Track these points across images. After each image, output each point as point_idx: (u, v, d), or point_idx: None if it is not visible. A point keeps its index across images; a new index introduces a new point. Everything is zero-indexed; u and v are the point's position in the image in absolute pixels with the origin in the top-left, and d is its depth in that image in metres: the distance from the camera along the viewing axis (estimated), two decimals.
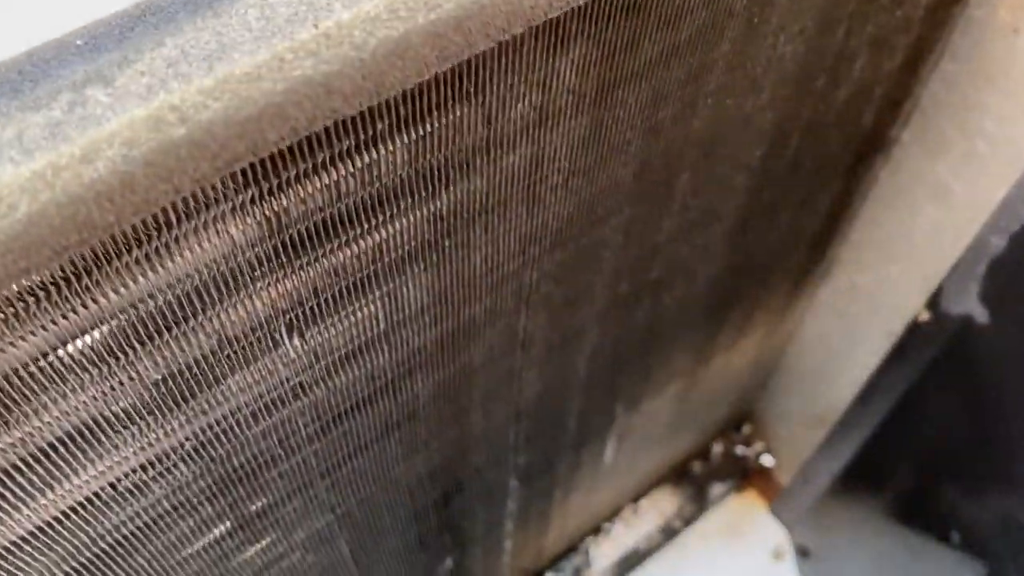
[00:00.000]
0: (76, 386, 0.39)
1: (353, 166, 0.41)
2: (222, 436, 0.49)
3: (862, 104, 0.74)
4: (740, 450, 1.34)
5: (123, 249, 0.35)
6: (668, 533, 1.29)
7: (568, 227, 0.59)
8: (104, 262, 0.35)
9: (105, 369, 0.39)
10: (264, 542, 0.63)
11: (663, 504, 1.30)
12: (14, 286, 0.32)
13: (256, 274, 0.42)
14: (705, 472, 1.33)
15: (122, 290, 0.37)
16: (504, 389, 0.71)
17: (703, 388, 1.09)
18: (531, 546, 1.12)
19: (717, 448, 1.33)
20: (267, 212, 0.40)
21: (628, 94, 0.52)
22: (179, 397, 0.44)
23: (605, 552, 1.25)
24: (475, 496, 0.85)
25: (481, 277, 0.56)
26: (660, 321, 0.82)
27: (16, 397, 0.37)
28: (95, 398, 0.40)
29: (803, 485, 1.30)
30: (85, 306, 0.36)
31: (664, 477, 1.31)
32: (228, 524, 0.57)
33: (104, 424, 0.42)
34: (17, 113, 0.31)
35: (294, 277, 0.45)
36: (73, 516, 0.45)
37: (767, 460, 1.36)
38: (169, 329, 0.40)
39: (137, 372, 0.41)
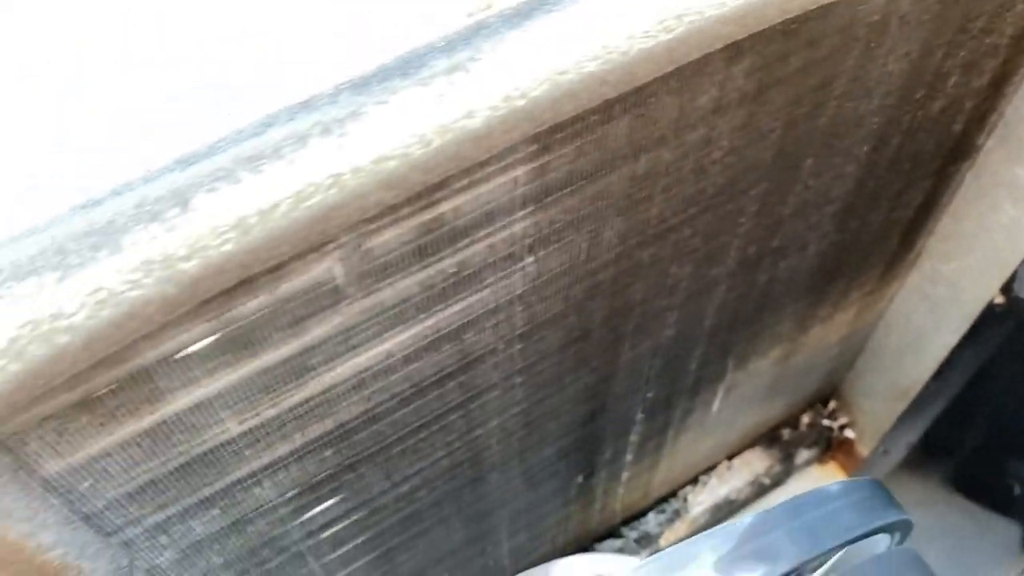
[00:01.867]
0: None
1: (591, 134, 0.61)
2: (468, 325, 0.70)
3: (954, 114, 0.92)
4: (826, 422, 1.51)
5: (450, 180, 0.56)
6: (757, 490, 1.47)
7: (719, 194, 0.78)
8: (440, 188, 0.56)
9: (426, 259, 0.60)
10: (466, 430, 0.84)
11: (755, 463, 1.48)
12: None
13: (521, 204, 0.62)
14: (793, 439, 1.50)
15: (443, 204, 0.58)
16: (650, 325, 0.91)
17: (800, 357, 1.27)
18: (641, 482, 1.32)
19: (806, 418, 1.50)
20: (541, 161, 0.60)
21: (776, 94, 0.71)
22: (451, 292, 0.65)
23: (701, 500, 1.43)
24: (610, 420, 1.05)
25: (654, 227, 0.76)
26: (774, 285, 1.01)
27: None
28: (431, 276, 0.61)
29: (881, 456, 1.45)
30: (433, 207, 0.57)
31: (757, 440, 1.49)
32: (454, 403, 0.78)
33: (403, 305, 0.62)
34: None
35: (541, 212, 0.65)
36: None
37: (849, 433, 1.52)
38: (457, 240, 0.61)
39: (437, 268, 0.62)
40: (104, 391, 0.51)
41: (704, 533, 0.66)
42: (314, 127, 0.49)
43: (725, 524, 0.66)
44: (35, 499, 0.51)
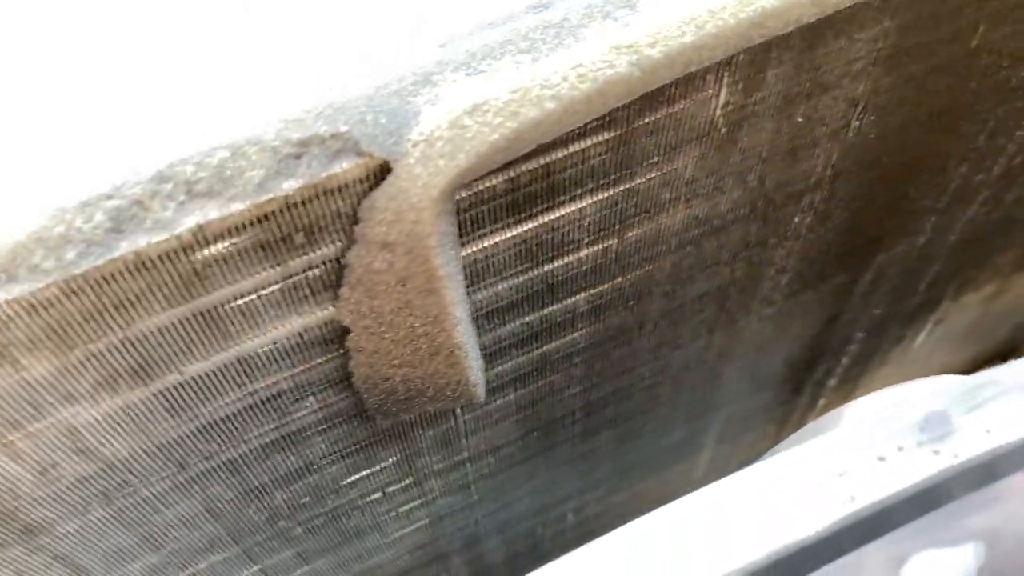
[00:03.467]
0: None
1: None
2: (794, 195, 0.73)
3: None
4: None
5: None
6: None
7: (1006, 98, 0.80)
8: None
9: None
10: (727, 318, 0.87)
11: None
12: None
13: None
14: None
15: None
16: (910, 226, 0.93)
17: (1006, 299, 1.27)
18: (838, 399, 1.33)
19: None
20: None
21: None
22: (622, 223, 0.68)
23: None
24: (837, 332, 1.07)
25: (949, 118, 0.78)
26: (1018, 208, 1.01)
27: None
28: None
29: None
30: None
31: None
32: (738, 276, 0.81)
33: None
34: None
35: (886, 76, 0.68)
36: None
37: None
38: None
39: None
40: None
41: None
42: None
43: None
44: None
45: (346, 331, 0.59)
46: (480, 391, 0.66)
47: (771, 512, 0.47)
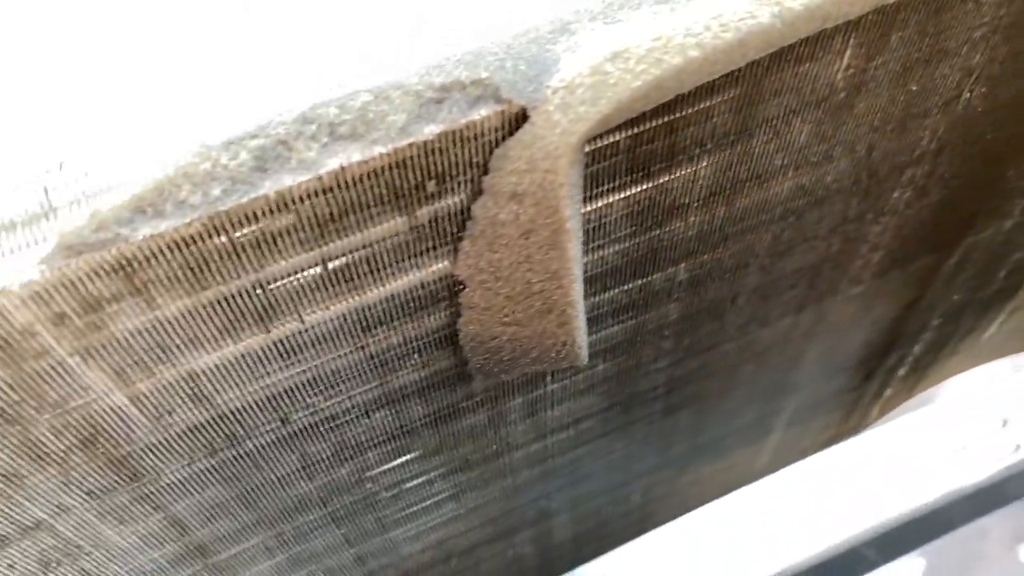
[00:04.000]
0: None
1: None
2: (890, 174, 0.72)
3: None
4: None
5: None
6: None
7: None
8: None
9: None
10: (815, 294, 0.87)
11: None
12: None
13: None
14: None
15: None
16: (1002, 208, 0.91)
17: None
18: (892, 405, 1.32)
19: None
20: None
21: None
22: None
23: None
24: (916, 317, 1.06)
25: None
26: None
27: None
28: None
29: None
30: None
31: None
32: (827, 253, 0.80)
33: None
34: None
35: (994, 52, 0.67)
36: None
37: None
38: None
39: None
40: None
41: None
42: None
43: None
44: None
45: (461, 286, 0.59)
46: (584, 354, 0.65)
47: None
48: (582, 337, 0.64)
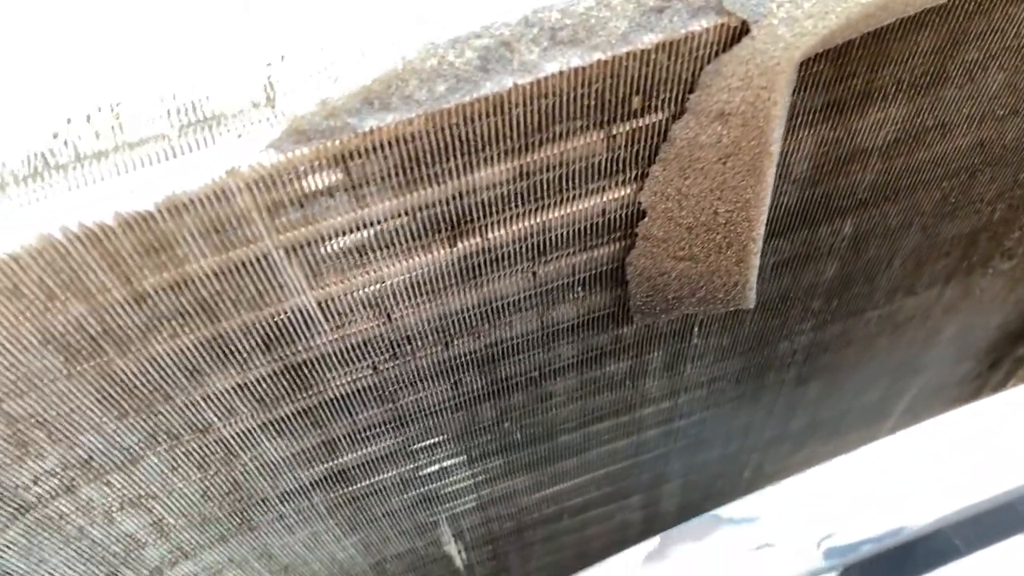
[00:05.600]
0: None
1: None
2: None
3: None
4: None
5: None
6: None
7: None
8: None
9: None
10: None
11: None
12: None
13: None
14: None
15: None
16: None
17: None
18: None
19: None
20: None
21: None
22: None
23: None
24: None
25: None
26: None
27: None
28: None
29: None
30: None
31: None
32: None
33: None
34: None
35: None
36: None
37: None
38: None
39: None
40: None
41: None
42: None
43: None
44: None
45: (641, 214, 0.59)
46: (753, 296, 0.65)
47: None
48: (754, 277, 0.63)
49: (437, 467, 0.82)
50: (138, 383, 0.56)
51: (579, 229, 0.60)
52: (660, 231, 0.59)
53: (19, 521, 0.62)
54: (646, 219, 0.59)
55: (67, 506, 0.64)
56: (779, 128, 0.52)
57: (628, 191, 0.58)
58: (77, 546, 0.67)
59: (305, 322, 0.58)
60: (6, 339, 0.49)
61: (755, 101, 0.50)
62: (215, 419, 0.63)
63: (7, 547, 0.63)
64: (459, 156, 0.50)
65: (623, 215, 0.60)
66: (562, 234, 0.60)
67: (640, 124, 0.53)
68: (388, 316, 0.60)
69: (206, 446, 0.65)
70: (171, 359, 0.56)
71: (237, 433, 0.65)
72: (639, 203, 0.58)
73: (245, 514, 0.75)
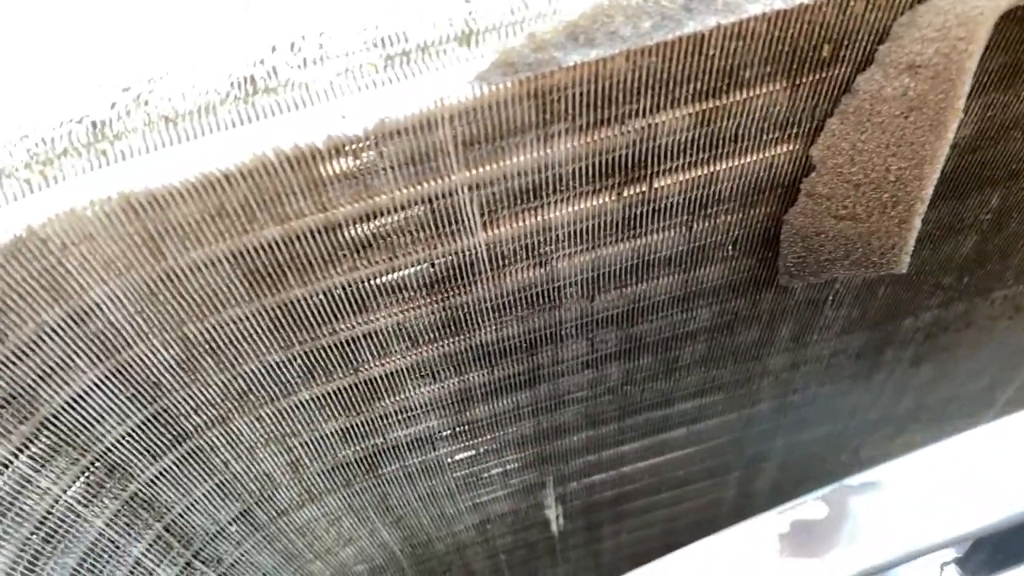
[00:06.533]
0: None
1: None
2: None
3: None
4: None
5: None
6: None
7: None
8: None
9: None
10: None
11: None
12: None
13: None
14: None
15: None
16: None
17: None
18: None
19: None
20: None
21: None
22: None
23: None
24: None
25: None
26: None
27: None
28: None
29: None
30: None
31: None
32: None
33: None
34: None
35: None
36: None
37: None
38: None
39: None
40: None
41: None
42: None
43: None
44: None
45: (808, 170, 0.59)
46: (907, 261, 0.64)
47: None
48: (913, 240, 0.63)
49: (556, 426, 0.82)
50: (309, 314, 0.57)
51: (743, 183, 0.60)
52: (825, 188, 0.59)
53: (176, 450, 0.64)
54: (813, 175, 0.59)
55: (219, 438, 0.65)
56: (968, 83, 0.52)
57: (799, 145, 0.58)
58: (220, 479, 0.69)
59: (470, 263, 0.59)
60: (203, 260, 0.51)
61: (950, 53, 0.50)
62: (369, 358, 0.64)
63: (160, 476, 0.65)
64: (648, 98, 0.51)
65: (789, 170, 0.60)
66: (726, 187, 0.60)
67: (825, 75, 0.53)
68: (544, 263, 0.61)
69: (355, 386, 0.66)
70: (344, 292, 0.57)
71: (386, 374, 0.67)
72: (809, 158, 0.58)
73: (374, 460, 0.76)
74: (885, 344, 0.88)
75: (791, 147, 0.58)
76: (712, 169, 0.58)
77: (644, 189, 0.58)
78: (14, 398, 0.51)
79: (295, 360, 0.61)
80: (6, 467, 0.53)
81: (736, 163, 0.58)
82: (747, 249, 0.67)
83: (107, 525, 0.62)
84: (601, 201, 0.58)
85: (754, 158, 0.58)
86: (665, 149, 0.55)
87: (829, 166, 0.58)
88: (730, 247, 0.66)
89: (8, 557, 0.55)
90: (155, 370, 0.56)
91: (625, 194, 0.58)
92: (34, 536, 0.56)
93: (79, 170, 0.46)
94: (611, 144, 0.53)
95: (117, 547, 0.63)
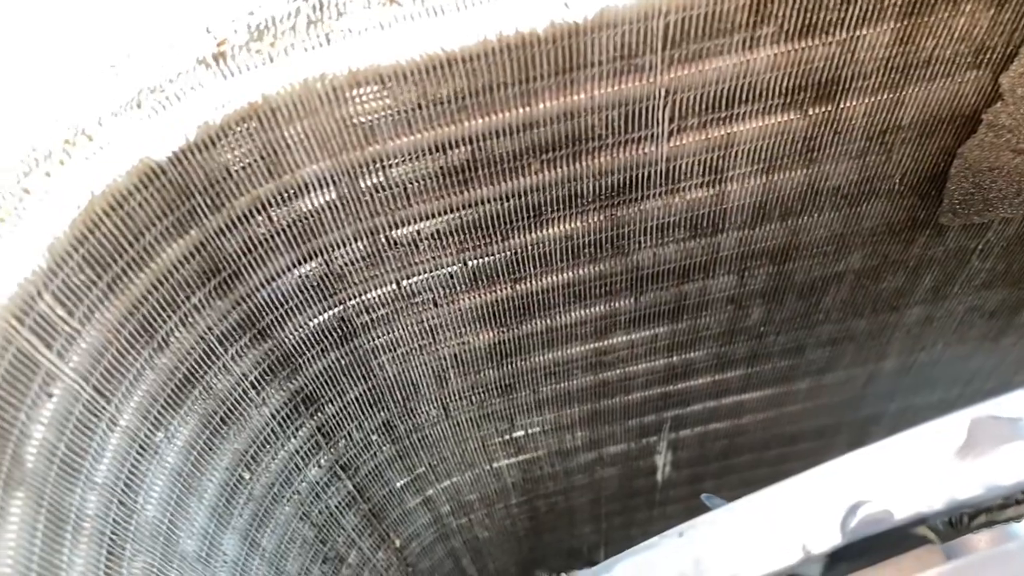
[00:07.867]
0: None
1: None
2: None
3: None
4: None
5: None
6: None
7: None
8: None
9: None
10: None
11: None
12: None
13: None
14: None
15: None
16: None
17: None
18: None
19: None
20: None
21: None
22: None
23: None
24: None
25: None
26: None
27: None
28: None
29: None
30: None
31: None
32: None
33: None
34: None
35: None
36: None
37: None
38: None
39: None
40: None
41: None
42: None
43: None
44: None
45: (994, 99, 0.58)
46: None
47: None
48: None
49: (686, 364, 0.83)
50: (490, 217, 0.59)
51: (926, 111, 0.60)
52: (1010, 119, 0.59)
53: (341, 347, 0.66)
54: (998, 104, 0.59)
55: (381, 340, 0.67)
56: None
57: (987, 72, 0.58)
58: (372, 383, 0.71)
59: (647, 175, 0.59)
60: (408, 148, 0.52)
61: None
62: (531, 269, 0.65)
63: (322, 372, 0.67)
64: (857, 5, 0.51)
65: (973, 100, 0.59)
66: (908, 114, 0.60)
67: None
68: (718, 183, 0.62)
69: (512, 298, 0.68)
70: (525, 197, 0.58)
71: (542, 289, 0.68)
72: (997, 86, 0.58)
73: (511, 383, 0.77)
74: (1022, 305, 0.87)
75: (979, 74, 0.58)
76: (899, 94, 0.58)
77: (831, 108, 0.58)
78: (218, 270, 0.53)
79: (467, 265, 0.63)
80: (202, 339, 0.55)
81: (923, 88, 0.58)
82: (913, 184, 0.66)
83: (272, 416, 0.64)
84: (787, 118, 0.58)
85: (942, 84, 0.58)
86: (861, 65, 0.55)
87: (1019, 95, 0.58)
88: (897, 180, 0.66)
89: (192, 429, 0.57)
90: (342, 260, 0.58)
91: (811, 112, 0.58)
92: (216, 413, 0.59)
93: (308, 47, 0.47)
94: (810, 55, 0.53)
95: (277, 439, 0.65)
